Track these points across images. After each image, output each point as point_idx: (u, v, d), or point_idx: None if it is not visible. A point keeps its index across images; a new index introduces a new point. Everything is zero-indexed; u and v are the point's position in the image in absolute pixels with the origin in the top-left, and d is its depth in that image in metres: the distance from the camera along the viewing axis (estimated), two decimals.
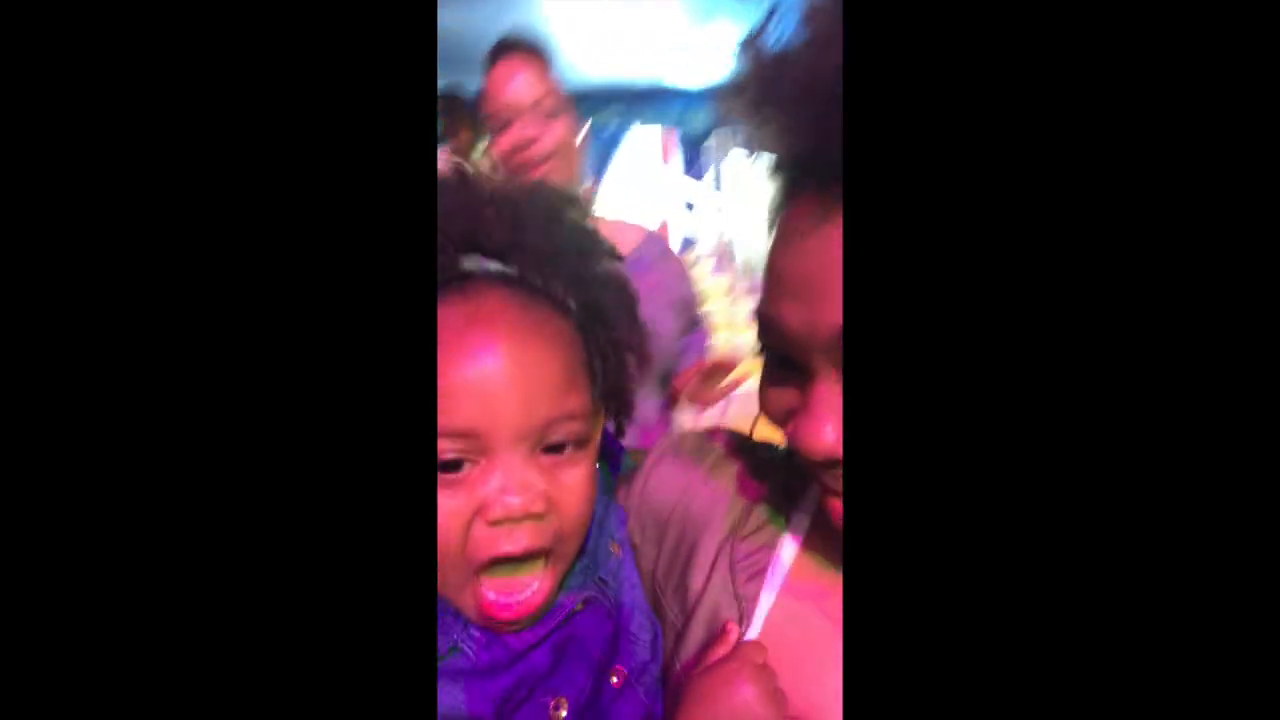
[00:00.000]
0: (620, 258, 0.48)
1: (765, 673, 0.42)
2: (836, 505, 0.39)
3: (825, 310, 0.34)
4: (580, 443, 0.43)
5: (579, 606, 0.45)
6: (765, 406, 0.41)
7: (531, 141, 1.02)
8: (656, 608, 0.51)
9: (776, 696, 0.41)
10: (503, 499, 0.39)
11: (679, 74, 3.48)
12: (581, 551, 0.46)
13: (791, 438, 0.38)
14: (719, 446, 0.54)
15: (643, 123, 3.63)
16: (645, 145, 3.64)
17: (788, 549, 0.47)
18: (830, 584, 0.45)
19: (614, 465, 0.54)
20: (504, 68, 1.03)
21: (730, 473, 0.52)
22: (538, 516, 0.40)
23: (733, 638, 0.44)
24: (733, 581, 0.46)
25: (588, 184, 1.07)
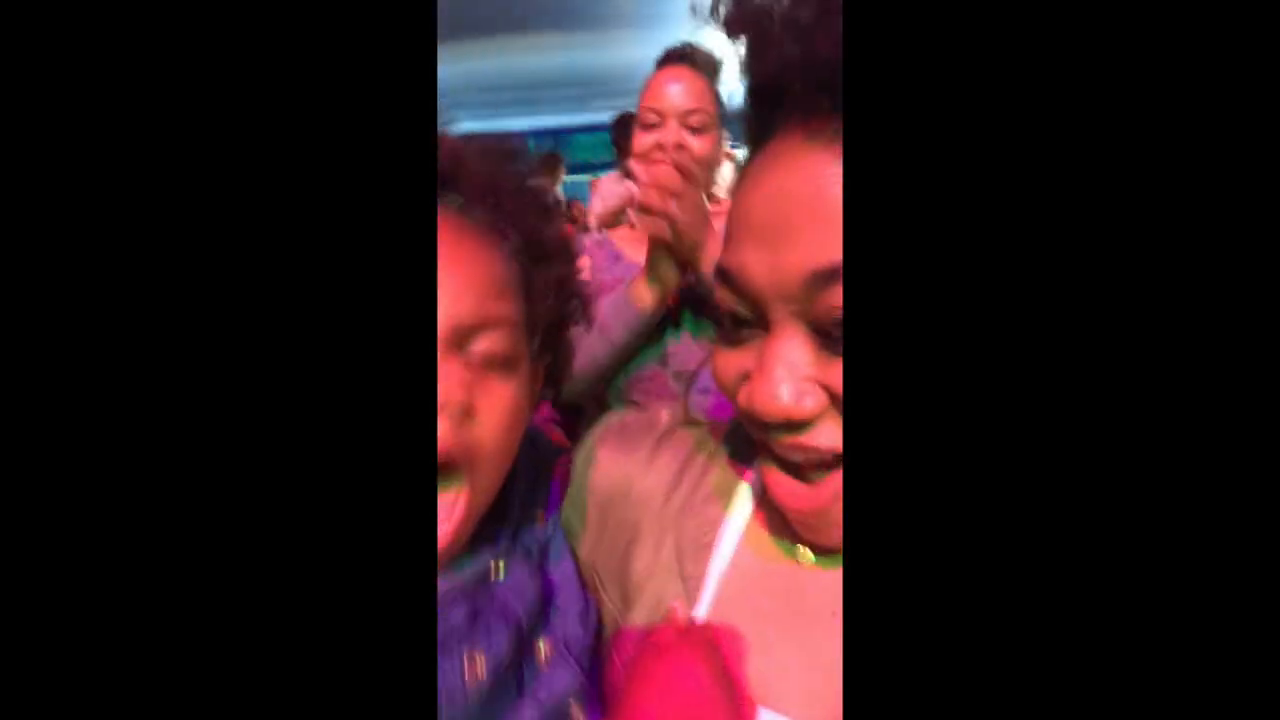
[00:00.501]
0: (573, 219, 0.50)
1: (714, 653, 0.40)
2: (774, 476, 0.38)
3: (790, 254, 0.33)
4: (509, 363, 0.42)
5: (497, 566, 0.43)
6: (719, 377, 0.39)
7: (675, 147, 1.02)
8: (591, 588, 0.48)
9: (726, 679, 0.39)
10: None
11: None
12: (504, 507, 0.45)
13: (745, 401, 0.36)
14: (661, 426, 0.52)
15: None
16: None
17: (735, 526, 0.45)
18: (778, 559, 0.43)
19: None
20: (668, 73, 1.05)
21: (673, 452, 0.50)
22: (457, 412, 0.38)
23: (680, 618, 0.42)
24: (678, 561, 0.44)
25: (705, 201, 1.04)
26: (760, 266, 0.34)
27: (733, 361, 0.38)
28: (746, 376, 0.36)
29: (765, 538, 0.44)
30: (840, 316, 0.32)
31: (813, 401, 0.34)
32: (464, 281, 0.40)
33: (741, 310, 0.36)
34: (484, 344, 0.40)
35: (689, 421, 0.52)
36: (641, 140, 1.04)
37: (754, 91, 0.37)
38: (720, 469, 0.48)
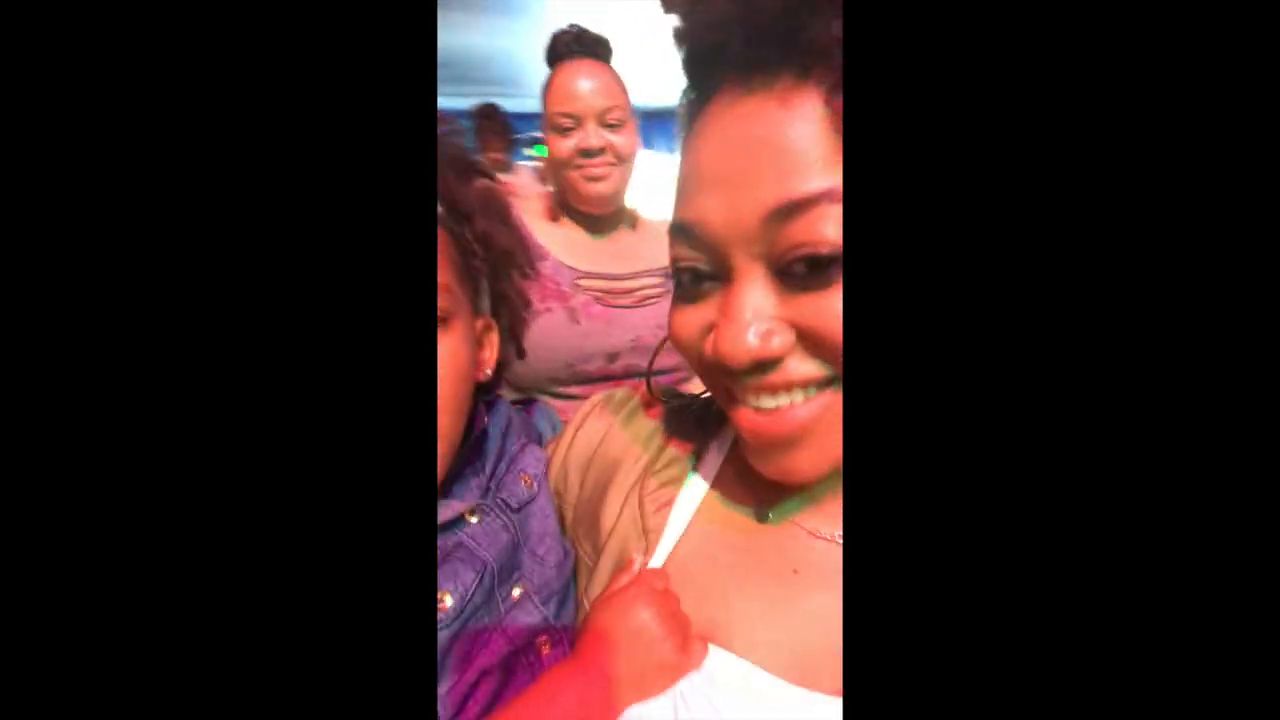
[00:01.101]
0: (492, 176, 0.51)
1: (664, 596, 0.43)
2: (745, 415, 0.39)
3: (746, 196, 0.34)
4: (444, 317, 0.44)
5: (468, 514, 0.46)
6: (678, 336, 0.40)
7: (597, 151, 0.99)
8: (573, 544, 0.52)
9: (675, 618, 0.42)
10: None
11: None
12: (478, 458, 0.47)
13: (712, 350, 0.37)
14: (637, 396, 0.56)
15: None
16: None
17: (697, 485, 0.48)
18: (735, 517, 0.46)
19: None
20: (572, 69, 0.99)
21: (644, 418, 0.54)
22: None
23: (635, 567, 0.46)
24: (640, 515, 0.48)
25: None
26: (718, 214, 0.35)
27: (693, 318, 0.39)
28: (709, 329, 0.37)
29: (724, 503, 0.47)
30: (800, 253, 0.33)
31: (780, 340, 0.35)
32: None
33: (701, 265, 0.37)
34: None
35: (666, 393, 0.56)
36: (559, 145, 1.00)
37: (691, 56, 0.38)
38: (689, 431, 0.51)
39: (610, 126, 1.00)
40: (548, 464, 0.55)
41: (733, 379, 0.38)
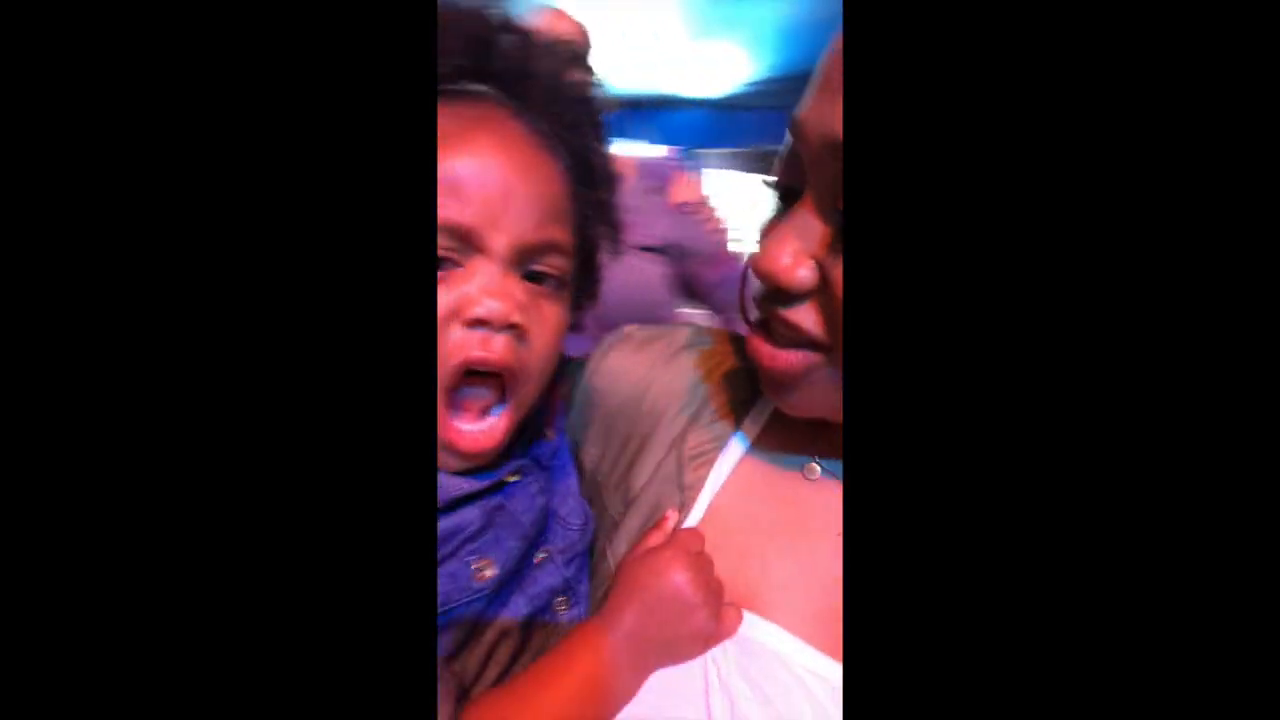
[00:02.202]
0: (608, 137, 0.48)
1: (700, 559, 0.41)
2: (755, 339, 0.39)
3: (836, 108, 0.33)
4: (561, 283, 0.42)
5: (511, 477, 0.43)
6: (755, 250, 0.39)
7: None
8: (593, 498, 0.49)
9: (709, 583, 0.41)
10: (484, 299, 0.37)
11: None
12: (524, 422, 0.44)
13: (754, 261, 0.37)
14: (681, 337, 0.52)
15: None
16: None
17: (738, 442, 0.46)
18: (778, 476, 0.44)
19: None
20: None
21: (688, 366, 0.50)
22: (515, 330, 0.38)
23: (669, 525, 0.44)
24: (678, 472, 0.45)
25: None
26: (819, 117, 0.34)
27: (767, 233, 0.38)
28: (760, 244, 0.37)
29: (772, 456, 0.45)
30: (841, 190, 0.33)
31: (806, 273, 0.35)
32: (533, 198, 0.38)
33: (787, 179, 0.37)
34: (542, 266, 0.40)
35: (706, 338, 0.52)
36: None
37: None
38: (738, 384, 0.48)
39: None
40: (566, 409, 0.52)
41: (763, 298, 0.38)
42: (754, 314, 0.41)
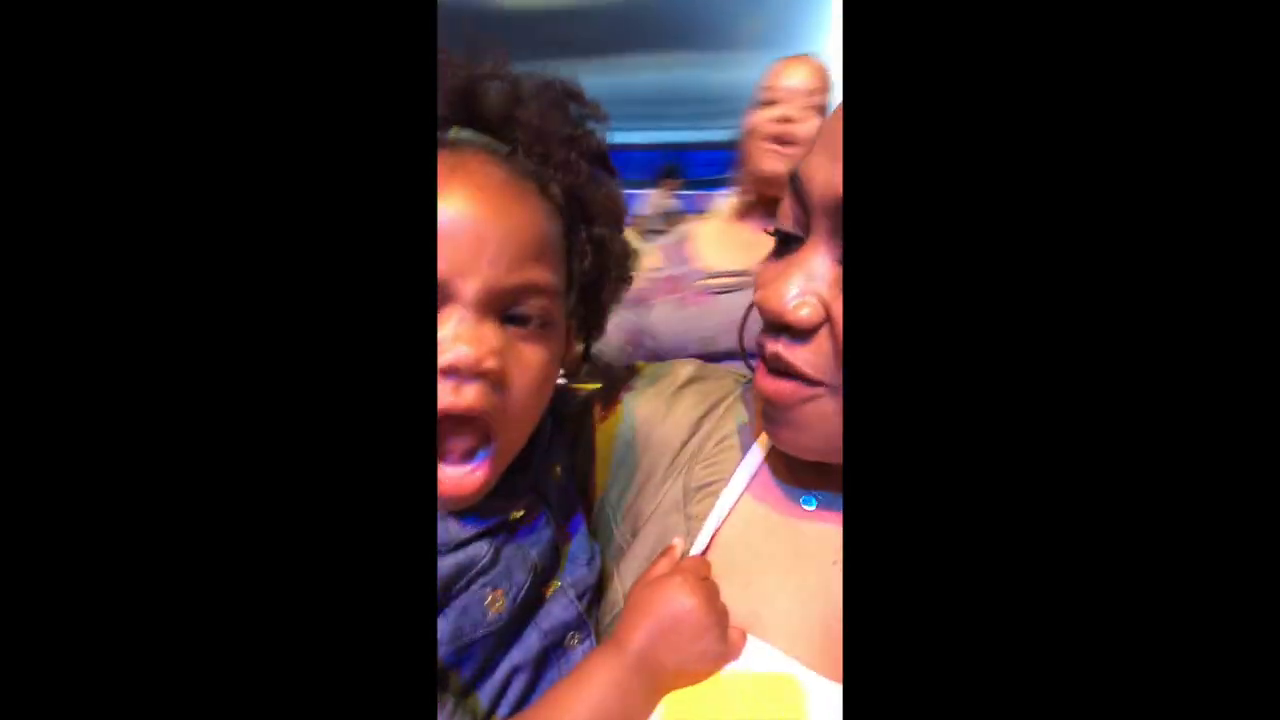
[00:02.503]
0: (613, 172, 0.49)
1: (707, 585, 0.42)
2: (760, 371, 0.40)
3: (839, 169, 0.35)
4: (545, 324, 0.41)
5: (517, 514, 0.44)
6: (757, 290, 0.41)
7: (789, 121, 1.10)
8: (600, 529, 0.50)
9: (717, 607, 0.42)
10: (453, 346, 0.37)
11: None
12: (527, 459, 0.45)
13: (760, 298, 0.39)
14: (684, 373, 0.54)
15: None
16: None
17: (744, 472, 0.47)
18: (779, 510, 0.45)
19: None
20: (791, 61, 1.14)
21: (694, 400, 0.52)
22: (487, 376, 0.38)
23: (676, 553, 0.45)
24: (684, 502, 0.47)
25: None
26: (824, 175, 0.36)
27: (769, 274, 0.40)
28: (763, 282, 0.39)
29: (775, 486, 0.46)
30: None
31: (809, 312, 0.37)
32: (505, 242, 0.38)
33: (791, 225, 0.39)
34: (521, 310, 0.40)
35: (712, 371, 0.55)
36: (756, 118, 1.14)
37: None
38: (737, 418, 0.50)
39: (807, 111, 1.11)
40: (573, 447, 0.53)
41: (768, 332, 0.40)
42: (758, 348, 0.42)
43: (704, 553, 0.45)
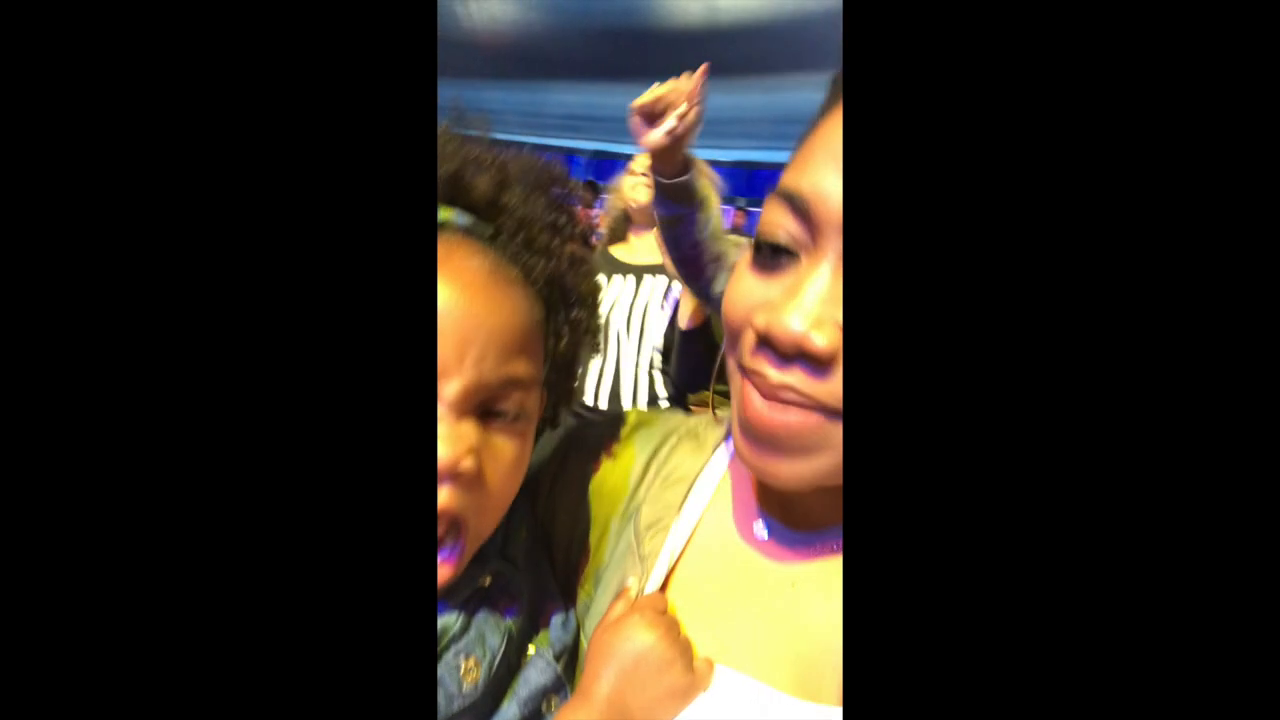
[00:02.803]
0: (592, 246, 0.51)
1: (665, 618, 0.43)
2: (750, 398, 0.37)
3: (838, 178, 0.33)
4: (520, 417, 0.41)
5: (485, 581, 0.45)
6: (733, 302, 0.39)
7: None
8: (568, 588, 0.51)
9: (678, 640, 0.42)
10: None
11: None
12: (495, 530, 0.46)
13: (765, 322, 0.35)
14: (627, 422, 0.55)
15: None
16: None
17: (692, 507, 0.48)
18: (731, 539, 0.46)
19: None
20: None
21: (639, 445, 0.53)
22: (464, 477, 0.38)
23: (631, 593, 0.45)
24: (637, 544, 0.48)
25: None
26: (834, 190, 0.34)
27: (756, 289, 0.37)
28: (768, 303, 0.36)
29: (722, 518, 0.47)
30: None
31: (826, 340, 0.34)
32: (489, 341, 0.38)
33: (786, 239, 0.36)
34: (500, 406, 0.40)
35: (652, 416, 0.56)
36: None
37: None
38: (685, 454, 0.51)
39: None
40: (533, 506, 0.54)
41: (756, 359, 0.37)
42: (748, 375, 0.38)
43: (661, 588, 0.46)
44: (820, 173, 0.35)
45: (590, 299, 0.48)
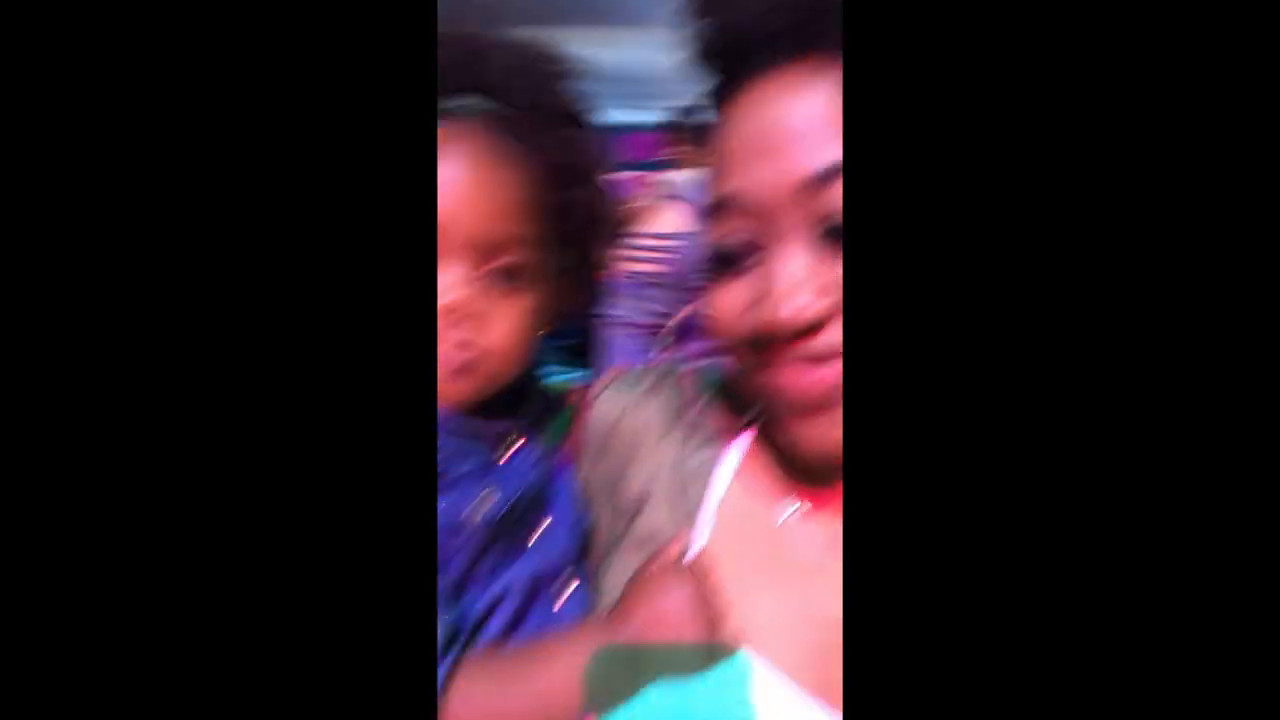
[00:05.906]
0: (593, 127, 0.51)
1: (700, 585, 0.41)
2: (791, 373, 0.38)
3: (789, 163, 0.36)
4: (523, 278, 0.45)
5: (509, 441, 0.47)
6: (720, 314, 0.41)
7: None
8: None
9: (711, 608, 0.41)
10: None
11: None
12: (517, 408, 0.48)
13: (762, 319, 0.37)
14: (654, 371, 0.54)
15: None
16: None
17: (729, 467, 0.46)
18: (776, 502, 0.44)
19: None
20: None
21: (667, 392, 0.51)
22: (466, 321, 0.42)
23: (672, 554, 0.44)
24: (679, 492, 0.46)
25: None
26: (764, 181, 0.37)
27: (736, 294, 0.39)
28: (753, 303, 0.38)
29: (763, 479, 0.45)
30: (833, 222, 0.36)
31: (823, 303, 0.36)
32: (485, 203, 0.43)
33: (746, 237, 0.38)
34: (499, 261, 0.44)
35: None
36: None
37: (724, 52, 0.42)
38: (718, 415, 0.49)
39: None
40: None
41: (777, 347, 0.38)
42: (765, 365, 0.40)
43: (697, 552, 0.44)
44: (746, 169, 0.38)
45: (597, 178, 0.50)
